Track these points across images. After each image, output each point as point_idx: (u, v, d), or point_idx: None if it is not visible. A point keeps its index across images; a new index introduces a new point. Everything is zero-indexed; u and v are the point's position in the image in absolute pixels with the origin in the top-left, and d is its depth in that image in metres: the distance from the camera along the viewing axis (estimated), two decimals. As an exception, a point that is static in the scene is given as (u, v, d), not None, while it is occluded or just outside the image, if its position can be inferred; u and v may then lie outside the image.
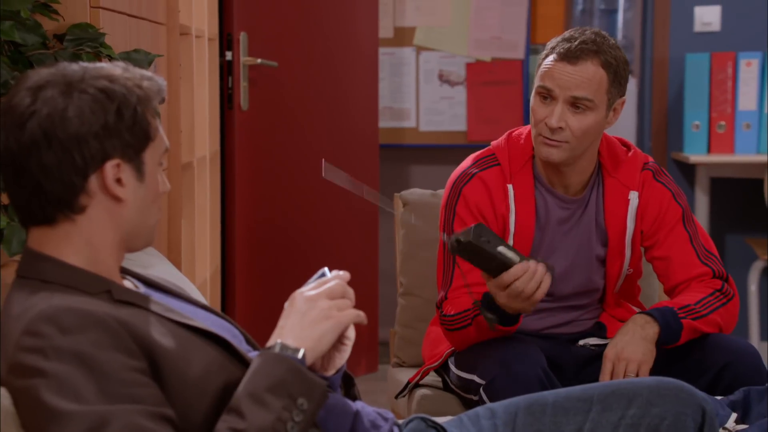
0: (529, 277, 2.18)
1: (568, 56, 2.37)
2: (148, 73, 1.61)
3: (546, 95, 2.40)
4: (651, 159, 2.56)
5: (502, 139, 2.54)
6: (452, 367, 2.50)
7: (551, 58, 2.40)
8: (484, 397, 2.30)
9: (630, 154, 2.53)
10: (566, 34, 2.42)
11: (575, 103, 2.38)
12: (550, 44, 2.43)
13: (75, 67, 1.56)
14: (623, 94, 2.46)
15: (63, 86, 1.53)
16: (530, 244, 2.48)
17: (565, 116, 2.38)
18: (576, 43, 2.38)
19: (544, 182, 2.50)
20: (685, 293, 2.44)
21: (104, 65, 1.59)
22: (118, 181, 1.56)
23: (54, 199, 1.54)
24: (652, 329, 2.35)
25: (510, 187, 2.47)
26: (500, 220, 2.47)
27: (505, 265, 2.18)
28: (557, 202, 2.50)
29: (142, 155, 1.58)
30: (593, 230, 2.52)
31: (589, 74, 2.37)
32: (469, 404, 2.47)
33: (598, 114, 2.40)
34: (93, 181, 1.55)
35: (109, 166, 1.55)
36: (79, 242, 1.57)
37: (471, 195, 2.47)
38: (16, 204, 1.57)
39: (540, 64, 2.43)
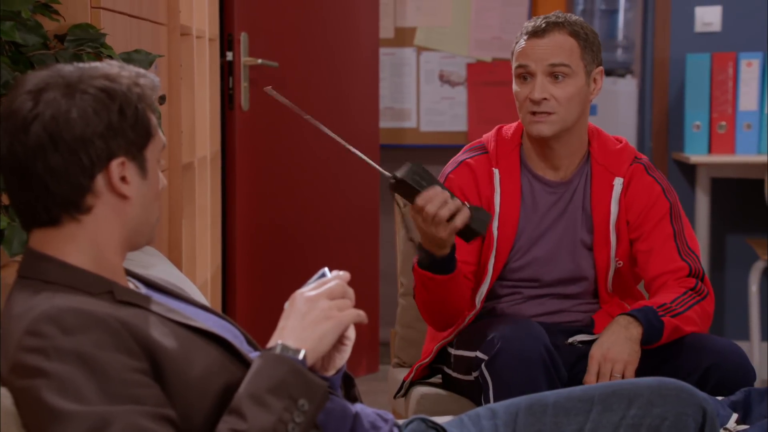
0: (438, 201, 2.21)
1: (537, 32, 2.49)
2: (142, 70, 1.62)
3: (525, 74, 2.49)
4: (644, 156, 2.62)
5: (492, 131, 2.64)
6: (452, 351, 2.52)
7: (522, 41, 2.52)
8: (485, 374, 2.32)
9: (620, 146, 2.59)
10: (530, 20, 2.56)
11: (553, 72, 2.47)
12: (518, 34, 2.55)
13: (71, 68, 1.57)
14: (600, 64, 2.55)
15: (63, 88, 1.53)
16: (516, 225, 2.54)
17: (546, 87, 2.47)
18: (540, 20, 2.51)
19: (531, 168, 2.58)
20: (660, 293, 2.48)
21: (99, 65, 1.60)
22: (123, 179, 1.57)
23: (61, 200, 1.54)
24: (635, 329, 2.37)
25: (496, 171, 2.55)
26: (485, 202, 2.55)
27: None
28: (543, 187, 2.57)
29: (144, 152, 1.59)
30: (579, 216, 2.56)
31: (560, 42, 2.48)
32: (468, 396, 2.48)
33: (578, 81, 2.49)
34: (99, 181, 1.55)
35: (115, 165, 1.55)
36: (83, 242, 1.57)
37: (456, 178, 2.56)
38: (19, 207, 1.57)
39: (512, 52, 2.54)
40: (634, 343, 2.36)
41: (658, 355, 2.41)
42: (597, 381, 2.34)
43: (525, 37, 2.51)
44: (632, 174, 2.56)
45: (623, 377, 2.33)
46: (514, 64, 2.52)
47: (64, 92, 1.53)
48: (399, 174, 2.21)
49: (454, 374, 2.55)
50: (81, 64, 1.59)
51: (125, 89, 1.56)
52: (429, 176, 2.22)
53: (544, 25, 2.49)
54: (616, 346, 2.35)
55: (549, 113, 2.47)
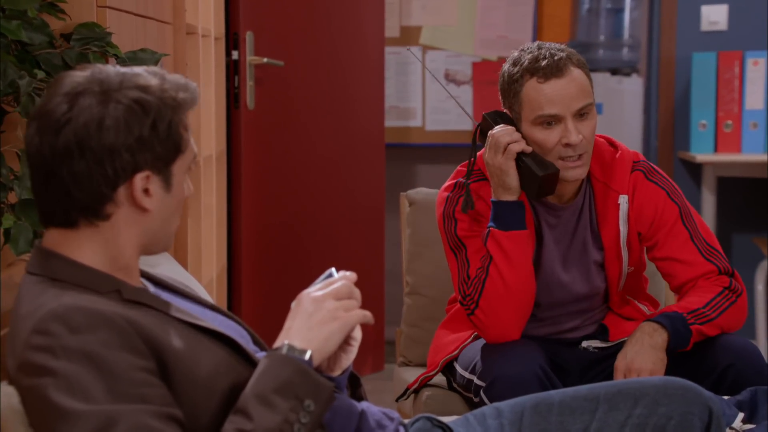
0: (504, 130, 2.35)
1: (554, 70, 2.33)
2: (183, 81, 1.60)
3: (550, 121, 2.35)
4: (641, 157, 2.53)
5: (479, 155, 2.48)
6: (457, 367, 2.50)
7: (533, 81, 2.34)
8: (485, 399, 2.30)
9: (618, 155, 2.49)
10: (522, 56, 2.37)
11: (580, 112, 2.35)
12: (515, 71, 2.36)
13: (112, 72, 1.56)
14: None
15: (100, 95, 1.52)
16: (532, 252, 2.44)
17: (579, 128, 2.35)
18: (548, 57, 2.34)
19: None
20: (693, 294, 2.42)
21: (142, 72, 1.58)
22: (146, 191, 1.56)
23: (81, 206, 1.54)
24: (660, 337, 2.33)
25: None
26: None
27: None
28: (548, 211, 2.48)
29: (171, 167, 1.58)
30: (588, 236, 2.49)
31: (578, 80, 2.35)
32: (471, 403, 2.47)
33: (595, 114, 2.39)
34: (121, 192, 1.55)
35: (139, 178, 1.55)
36: (98, 246, 1.57)
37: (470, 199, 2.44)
38: (41, 206, 1.58)
39: (519, 93, 2.36)
40: (659, 351, 2.31)
41: (675, 354, 2.37)
42: None
43: (538, 78, 2.33)
44: (634, 185, 2.47)
45: None
46: (533, 112, 2.34)
47: (99, 99, 1.52)
48: (484, 113, 2.43)
49: (456, 386, 2.54)
50: (124, 69, 1.58)
51: (160, 102, 1.55)
52: (509, 121, 2.40)
53: (559, 63, 2.32)
54: (639, 355, 2.30)
55: (581, 155, 2.36)
